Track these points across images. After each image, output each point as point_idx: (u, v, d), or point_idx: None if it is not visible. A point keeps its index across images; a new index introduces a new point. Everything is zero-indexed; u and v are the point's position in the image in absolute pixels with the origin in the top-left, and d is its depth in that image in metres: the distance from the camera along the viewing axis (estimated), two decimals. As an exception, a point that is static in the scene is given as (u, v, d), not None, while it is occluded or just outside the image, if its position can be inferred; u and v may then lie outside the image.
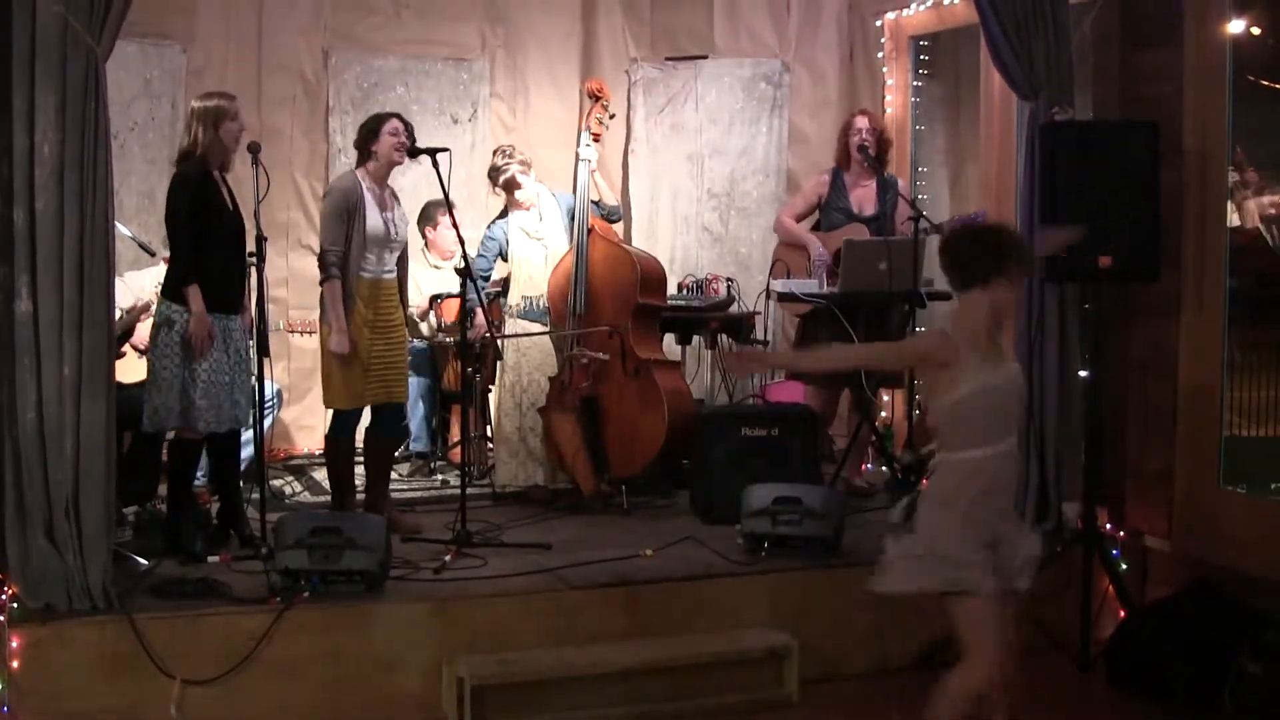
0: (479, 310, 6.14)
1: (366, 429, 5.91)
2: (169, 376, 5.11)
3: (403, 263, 5.82)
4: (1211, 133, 5.56)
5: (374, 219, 5.57)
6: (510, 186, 6.44)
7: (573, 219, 6.45)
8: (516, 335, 6.43)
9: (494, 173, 6.47)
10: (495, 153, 6.56)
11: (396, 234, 5.66)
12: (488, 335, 6.40)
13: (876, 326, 6.51)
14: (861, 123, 6.73)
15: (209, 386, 5.13)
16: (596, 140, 6.53)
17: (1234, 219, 5.78)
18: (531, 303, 6.49)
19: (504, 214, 6.58)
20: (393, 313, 5.72)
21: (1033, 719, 4.89)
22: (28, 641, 4.30)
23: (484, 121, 8.03)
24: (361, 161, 5.69)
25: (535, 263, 6.48)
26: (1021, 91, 5.71)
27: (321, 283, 5.59)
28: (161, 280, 5.74)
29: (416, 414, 7.16)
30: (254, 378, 5.28)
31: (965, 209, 6.75)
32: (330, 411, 5.77)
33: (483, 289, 6.40)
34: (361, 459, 6.00)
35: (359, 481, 5.98)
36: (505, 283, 6.61)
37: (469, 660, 4.65)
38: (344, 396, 5.65)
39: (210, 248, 5.17)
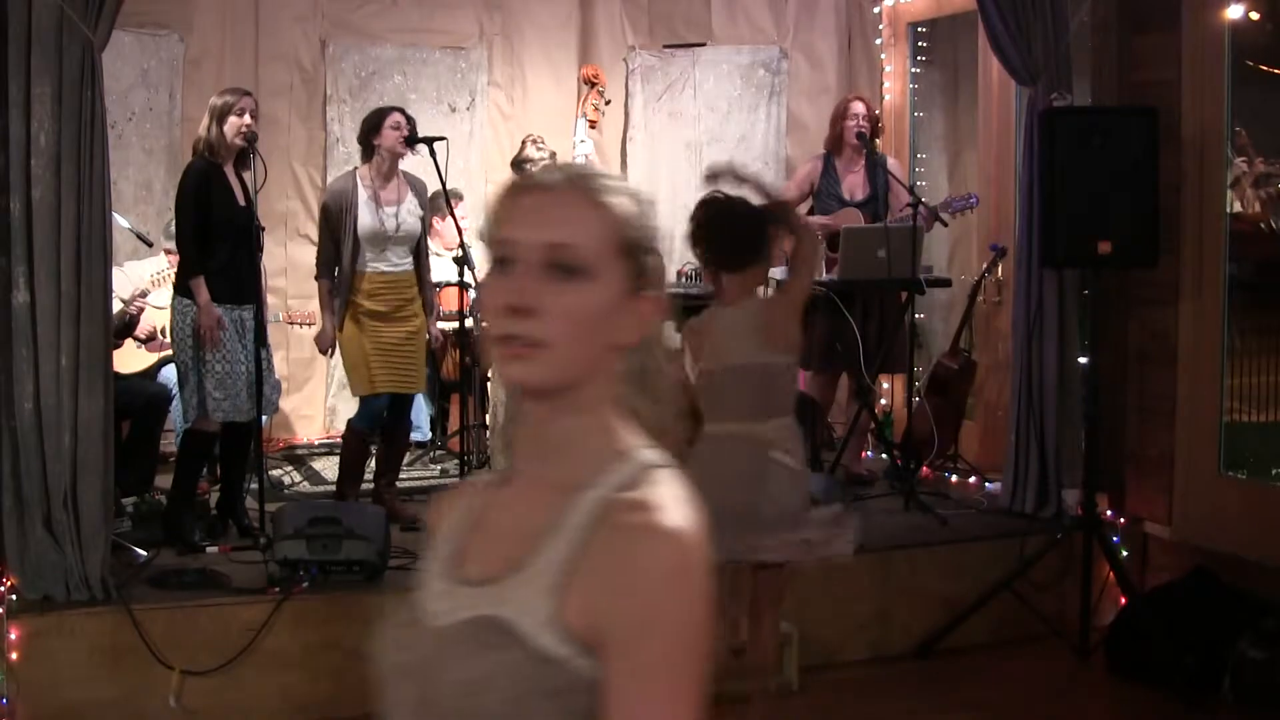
0: None
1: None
2: (184, 370, 5.25)
3: (420, 255, 5.77)
4: (1210, 118, 5.54)
5: (366, 218, 5.57)
6: None
7: None
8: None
9: (526, 164, 6.31)
10: (529, 142, 6.37)
11: (397, 228, 5.62)
12: None
13: (875, 313, 6.50)
14: (859, 108, 6.67)
15: (223, 377, 5.19)
16: (593, 127, 6.50)
17: (1235, 205, 5.77)
18: None
19: None
20: (404, 305, 5.71)
21: (1032, 707, 4.91)
22: (27, 632, 4.30)
23: (482, 110, 8.00)
24: (366, 157, 5.69)
25: None
26: (1020, 77, 5.70)
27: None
28: (157, 271, 5.76)
29: (415, 403, 7.14)
30: (267, 365, 5.41)
31: (962, 194, 6.74)
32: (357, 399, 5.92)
33: None
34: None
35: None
36: None
37: (468, 649, 4.64)
38: (353, 383, 5.79)
39: (216, 240, 5.23)
